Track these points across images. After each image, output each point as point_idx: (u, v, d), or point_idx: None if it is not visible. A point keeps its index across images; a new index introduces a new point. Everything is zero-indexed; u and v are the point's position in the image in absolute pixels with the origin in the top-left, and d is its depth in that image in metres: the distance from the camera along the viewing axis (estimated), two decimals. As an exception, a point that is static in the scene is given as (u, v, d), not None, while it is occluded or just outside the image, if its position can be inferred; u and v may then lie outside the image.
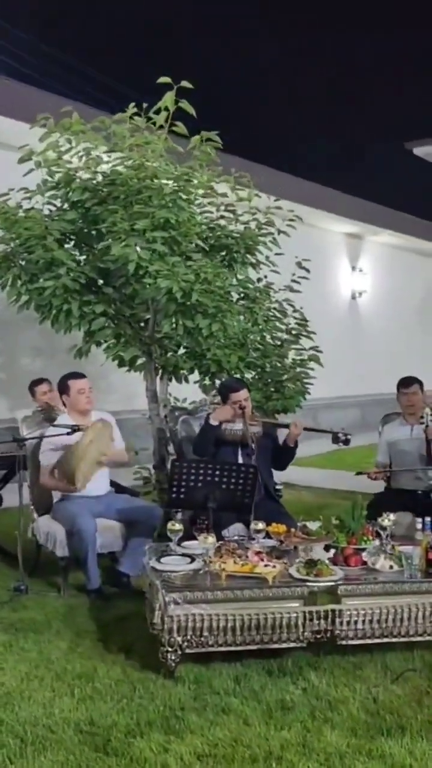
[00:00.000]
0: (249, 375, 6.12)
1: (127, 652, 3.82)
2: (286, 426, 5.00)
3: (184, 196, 5.30)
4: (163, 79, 5.31)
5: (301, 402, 6.10)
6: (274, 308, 6.47)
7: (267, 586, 3.57)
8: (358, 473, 5.39)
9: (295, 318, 6.48)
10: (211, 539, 3.83)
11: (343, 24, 31.22)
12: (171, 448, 6.02)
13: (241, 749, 2.93)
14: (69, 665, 3.67)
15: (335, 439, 5.11)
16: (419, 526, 3.93)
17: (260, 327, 6.15)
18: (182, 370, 6.07)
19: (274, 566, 3.66)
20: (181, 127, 5.46)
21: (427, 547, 3.76)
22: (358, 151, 28.85)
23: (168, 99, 5.33)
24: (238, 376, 5.76)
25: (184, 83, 5.29)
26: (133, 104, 5.60)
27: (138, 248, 5.04)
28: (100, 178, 5.58)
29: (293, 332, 6.42)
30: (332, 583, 3.62)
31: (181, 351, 6.00)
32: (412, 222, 16.00)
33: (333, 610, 3.60)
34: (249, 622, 3.53)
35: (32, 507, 5.02)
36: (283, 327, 6.45)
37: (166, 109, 5.37)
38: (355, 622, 3.61)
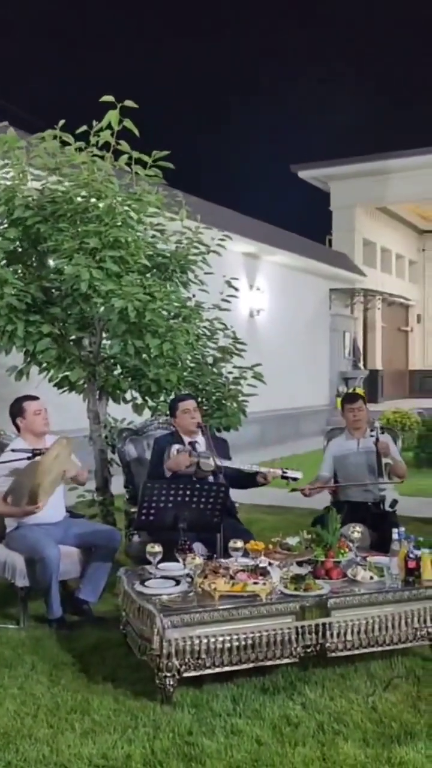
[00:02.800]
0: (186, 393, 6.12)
1: (113, 680, 3.72)
2: (257, 474, 4.89)
3: (135, 216, 5.27)
4: (106, 98, 5.28)
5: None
6: (204, 326, 6.52)
7: (260, 603, 3.59)
8: (293, 490, 5.35)
9: (228, 336, 6.54)
10: (198, 560, 3.80)
11: (231, 53, 32.23)
12: (112, 470, 5.94)
13: (265, 769, 2.93)
14: (58, 699, 3.53)
15: (285, 478, 5.02)
16: (395, 536, 4.07)
17: (192, 345, 6.18)
18: (119, 390, 6.00)
19: (264, 584, 3.68)
20: (124, 146, 5.43)
21: (405, 557, 3.90)
22: (251, 175, 29.73)
23: (112, 117, 5.28)
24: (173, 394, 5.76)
25: (128, 102, 5.28)
26: (62, 121, 5.56)
27: (89, 267, 4.95)
28: (35, 195, 5.46)
29: (227, 351, 6.48)
30: (322, 597, 3.68)
31: (118, 371, 5.94)
32: (301, 242, 16.57)
33: (323, 624, 3.67)
34: (245, 641, 3.54)
35: (-16, 536, 4.79)
36: (213, 345, 6.51)
37: (110, 127, 5.33)
38: (345, 634, 3.70)
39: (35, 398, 4.87)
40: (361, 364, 19.06)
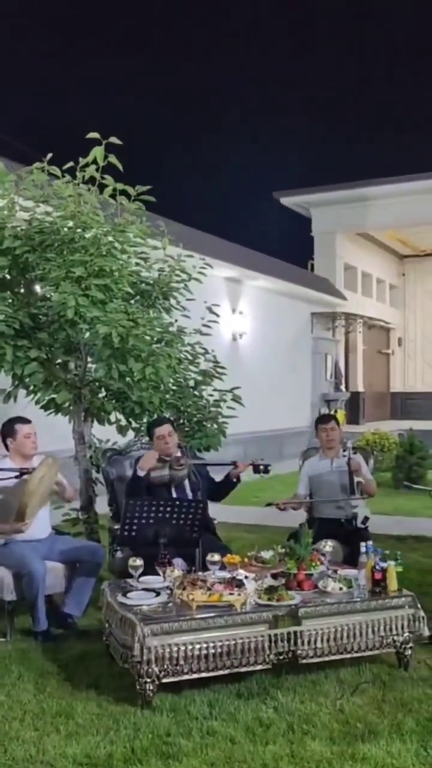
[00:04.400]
0: (167, 415, 6.36)
1: (96, 688, 3.92)
2: (231, 464, 5.27)
3: (119, 246, 5.54)
4: (92, 135, 5.57)
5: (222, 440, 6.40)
6: (186, 351, 6.77)
7: (235, 613, 3.82)
8: (268, 504, 5.62)
9: (209, 360, 6.79)
10: (177, 572, 4.02)
11: (215, 81, 32.87)
12: (97, 489, 6.15)
13: (238, 764, 3.15)
14: (44, 705, 3.73)
15: (256, 470, 5.36)
16: (363, 550, 4.31)
17: (174, 369, 6.43)
18: (104, 412, 6.23)
19: (239, 594, 3.91)
20: (109, 180, 5.71)
21: (372, 568, 4.14)
22: (234, 201, 30.27)
23: (97, 153, 5.56)
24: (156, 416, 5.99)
25: (113, 139, 5.57)
26: (50, 155, 5.84)
27: (75, 295, 5.21)
28: (24, 225, 5.72)
29: (208, 374, 6.72)
30: (293, 607, 3.91)
31: (102, 394, 6.17)
32: (283, 267, 16.93)
33: (295, 632, 3.89)
34: (221, 649, 3.76)
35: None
36: (195, 369, 6.76)
37: (95, 162, 5.61)
38: (315, 642, 3.92)
39: (27, 421, 5.08)
40: (342, 387, 19.37)
